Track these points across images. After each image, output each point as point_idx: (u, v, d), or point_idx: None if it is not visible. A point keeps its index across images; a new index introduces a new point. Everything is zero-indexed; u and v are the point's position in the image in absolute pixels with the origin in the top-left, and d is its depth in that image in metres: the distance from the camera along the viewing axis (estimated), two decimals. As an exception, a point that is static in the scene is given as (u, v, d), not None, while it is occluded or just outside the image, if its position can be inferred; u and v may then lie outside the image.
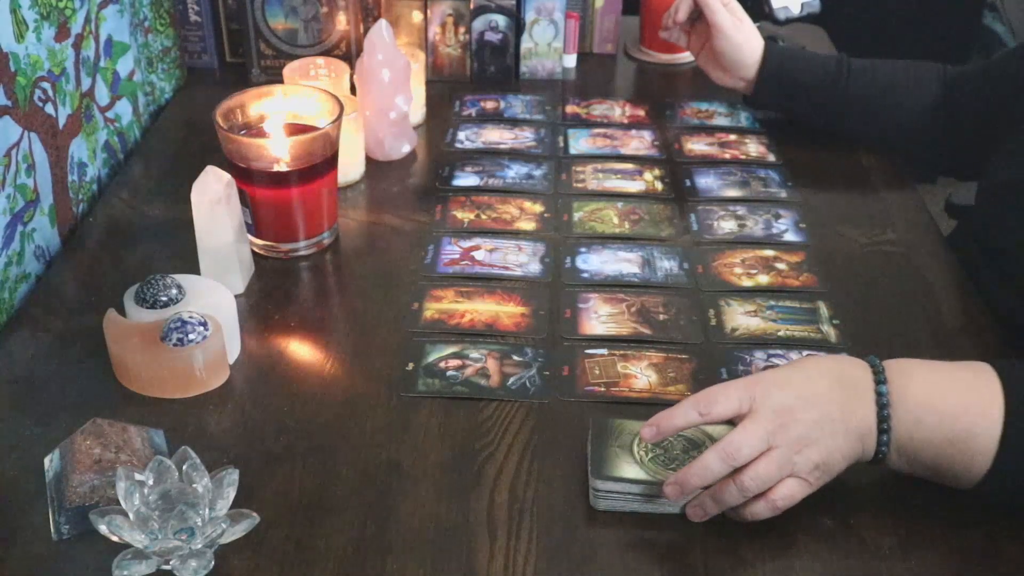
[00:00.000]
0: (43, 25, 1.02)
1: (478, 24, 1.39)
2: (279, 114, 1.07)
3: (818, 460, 0.74)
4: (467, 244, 1.08)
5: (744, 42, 1.23)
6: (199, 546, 0.71)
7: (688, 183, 1.20)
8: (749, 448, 0.73)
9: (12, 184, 0.97)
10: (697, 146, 1.28)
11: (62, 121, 1.07)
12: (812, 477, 0.75)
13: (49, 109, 1.04)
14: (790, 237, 1.11)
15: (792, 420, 0.74)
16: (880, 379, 0.76)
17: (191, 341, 0.85)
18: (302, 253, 1.06)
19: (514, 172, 1.21)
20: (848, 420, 0.75)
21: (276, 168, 1.01)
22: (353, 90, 1.24)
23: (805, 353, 0.94)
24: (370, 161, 1.22)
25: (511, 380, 0.90)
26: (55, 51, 1.05)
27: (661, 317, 0.98)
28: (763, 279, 1.04)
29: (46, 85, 1.03)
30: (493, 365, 0.92)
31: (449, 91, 1.40)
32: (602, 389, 0.90)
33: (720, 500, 0.74)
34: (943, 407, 0.75)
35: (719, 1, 1.22)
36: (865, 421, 0.75)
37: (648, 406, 0.88)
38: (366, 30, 1.21)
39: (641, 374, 0.91)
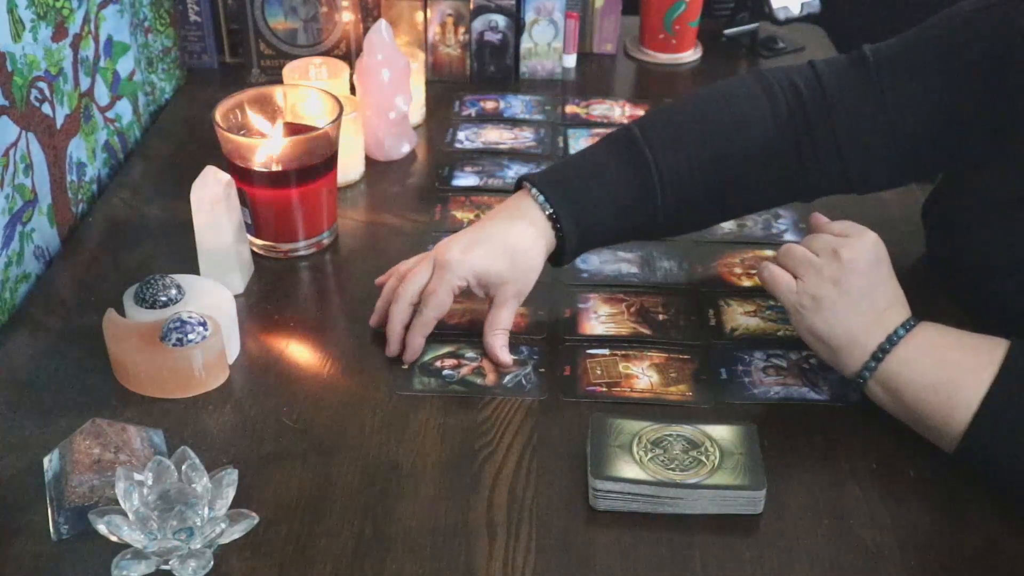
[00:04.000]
0: (40, 25, 1.02)
1: (478, 24, 1.39)
2: (279, 114, 1.07)
3: (823, 298, 0.82)
4: (467, 244, 1.08)
5: (529, 273, 0.92)
6: (198, 546, 0.71)
7: (688, 183, 1.20)
8: (819, 241, 0.84)
9: (10, 184, 0.97)
10: (697, 146, 1.28)
11: (60, 121, 1.07)
12: (804, 296, 0.83)
13: (46, 109, 1.04)
14: (790, 237, 1.11)
15: (848, 270, 0.82)
16: (907, 324, 0.82)
17: (191, 341, 0.85)
18: (301, 253, 1.06)
19: (514, 172, 1.21)
20: (861, 321, 0.82)
21: (275, 168, 1.01)
22: (353, 90, 1.24)
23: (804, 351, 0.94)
24: (370, 161, 1.22)
25: (507, 378, 0.90)
26: (52, 51, 1.05)
27: (660, 317, 0.98)
28: (763, 279, 1.04)
29: (43, 85, 1.03)
30: (489, 363, 0.92)
31: (449, 91, 1.40)
32: (604, 389, 0.90)
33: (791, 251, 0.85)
34: (938, 356, 0.80)
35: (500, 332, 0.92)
36: (867, 336, 0.81)
37: (650, 406, 0.88)
38: (366, 30, 1.21)
39: (643, 374, 0.91)
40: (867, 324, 0.82)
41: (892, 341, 0.81)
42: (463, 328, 0.96)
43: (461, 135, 1.29)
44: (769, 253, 1.07)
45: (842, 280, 0.82)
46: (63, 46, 1.07)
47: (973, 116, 0.92)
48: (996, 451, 0.78)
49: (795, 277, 0.84)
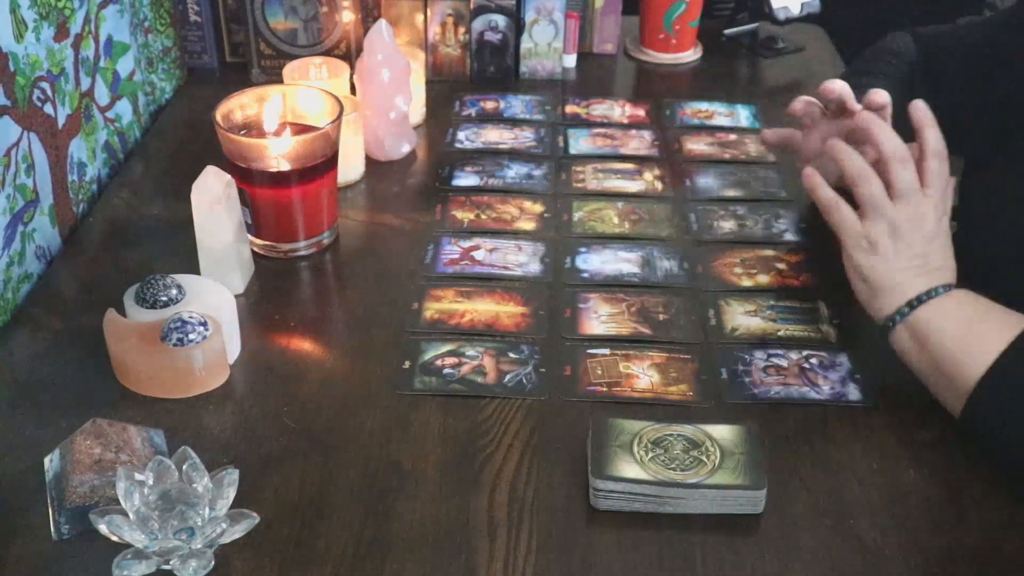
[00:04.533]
0: (42, 25, 1.02)
1: (478, 24, 1.39)
2: (279, 114, 1.07)
3: (880, 245, 0.86)
4: (467, 244, 1.08)
5: None
6: (199, 546, 0.71)
7: (688, 183, 1.20)
8: (902, 181, 0.87)
9: (12, 184, 0.97)
10: (697, 146, 1.28)
11: (61, 121, 1.07)
12: (863, 239, 0.87)
13: (48, 109, 1.04)
14: (790, 237, 1.11)
15: (915, 225, 0.86)
16: (948, 286, 0.85)
17: (191, 341, 0.85)
18: (302, 253, 1.06)
19: (514, 172, 1.21)
20: (908, 273, 0.86)
21: (276, 168, 1.01)
22: (353, 90, 1.24)
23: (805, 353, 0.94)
24: (370, 161, 1.22)
25: (507, 377, 0.90)
26: (54, 51, 1.05)
27: (661, 317, 0.98)
28: (763, 279, 1.04)
29: (45, 85, 1.03)
30: (489, 362, 0.92)
31: (449, 91, 1.40)
32: (604, 389, 0.90)
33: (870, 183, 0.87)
34: (968, 313, 0.84)
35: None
36: (908, 285, 0.85)
37: (650, 406, 0.88)
38: (366, 30, 1.21)
39: (643, 374, 0.91)
40: (913, 276, 0.86)
41: (930, 295, 0.85)
42: (464, 327, 0.96)
43: (461, 135, 1.29)
44: (769, 253, 1.08)
45: (905, 234, 0.85)
46: (65, 46, 1.07)
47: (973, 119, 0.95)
48: (1001, 410, 0.80)
49: (861, 213, 0.87)
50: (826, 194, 0.90)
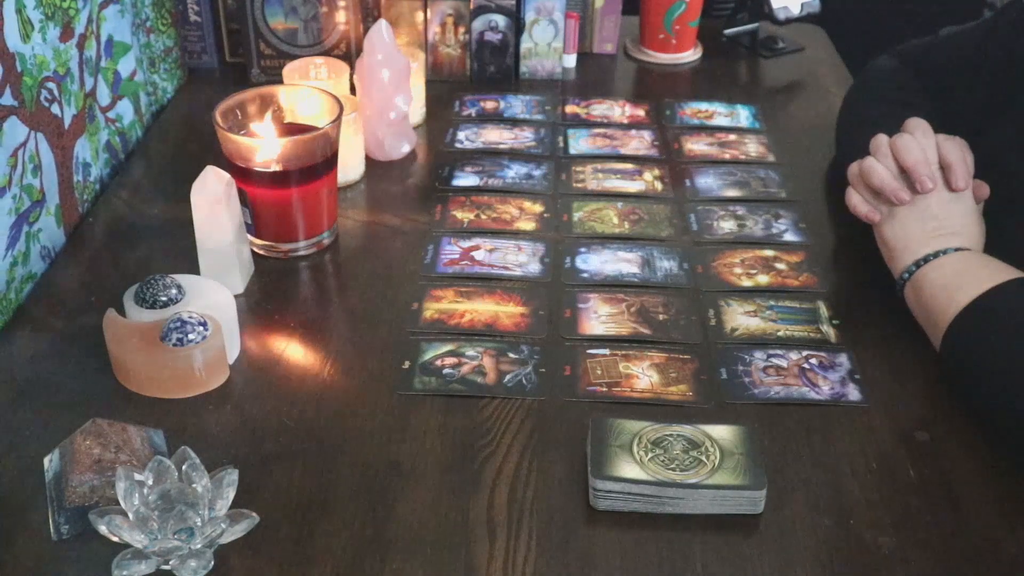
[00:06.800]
0: (48, 25, 1.02)
1: (478, 24, 1.39)
2: (279, 114, 1.07)
3: (897, 210, 0.94)
4: (467, 244, 1.08)
5: None
6: (198, 546, 0.71)
7: (688, 183, 1.20)
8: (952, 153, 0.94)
9: (18, 184, 0.97)
10: (697, 146, 1.28)
11: (67, 121, 1.07)
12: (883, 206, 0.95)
13: (55, 109, 1.04)
14: (790, 237, 1.11)
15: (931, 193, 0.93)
16: (960, 249, 0.90)
17: (191, 341, 0.86)
18: (302, 253, 1.06)
19: (514, 172, 1.21)
20: (921, 235, 0.92)
21: (276, 168, 1.01)
22: (353, 90, 1.24)
23: (800, 351, 0.94)
24: (370, 161, 1.22)
25: (507, 377, 0.91)
26: (60, 51, 1.05)
27: (661, 317, 0.98)
28: (763, 279, 1.04)
29: (52, 85, 1.03)
30: (489, 362, 0.92)
31: (449, 91, 1.40)
32: (604, 389, 0.90)
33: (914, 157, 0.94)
34: (966, 265, 0.88)
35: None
36: (920, 245, 0.91)
37: (650, 406, 0.88)
38: (366, 30, 1.21)
39: (643, 374, 0.91)
40: (926, 238, 0.91)
41: (936, 255, 0.90)
42: (463, 327, 0.96)
43: (461, 135, 1.29)
44: (769, 253, 1.08)
45: (920, 198, 0.92)
46: (70, 46, 1.07)
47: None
48: (976, 342, 0.84)
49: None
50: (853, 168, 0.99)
